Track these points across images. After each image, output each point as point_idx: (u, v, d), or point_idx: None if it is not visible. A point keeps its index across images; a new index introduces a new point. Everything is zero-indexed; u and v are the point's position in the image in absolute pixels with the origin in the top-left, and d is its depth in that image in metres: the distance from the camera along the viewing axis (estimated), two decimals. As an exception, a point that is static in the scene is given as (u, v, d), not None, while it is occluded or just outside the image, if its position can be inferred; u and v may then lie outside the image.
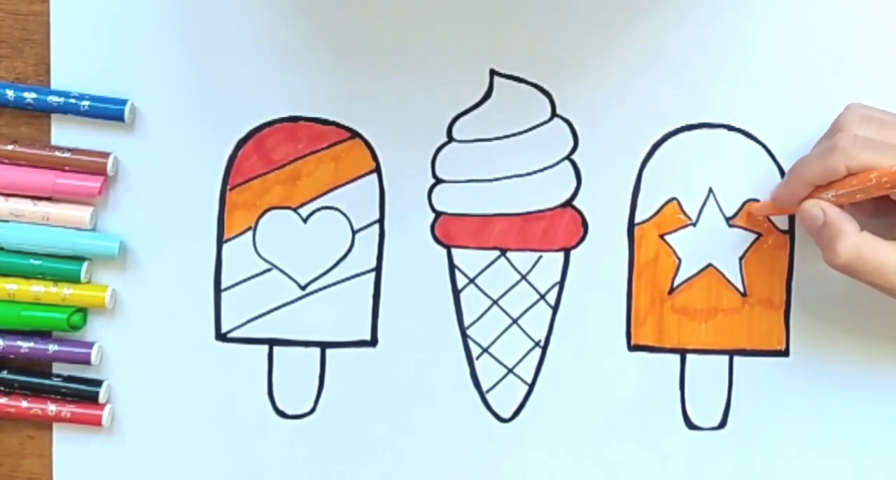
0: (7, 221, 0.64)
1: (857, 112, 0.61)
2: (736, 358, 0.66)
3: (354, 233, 0.65)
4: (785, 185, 0.62)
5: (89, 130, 0.64)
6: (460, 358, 0.66)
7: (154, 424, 0.66)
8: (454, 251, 0.65)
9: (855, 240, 0.58)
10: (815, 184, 0.60)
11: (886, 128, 0.59)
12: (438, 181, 0.65)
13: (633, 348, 0.66)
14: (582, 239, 0.65)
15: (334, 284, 0.65)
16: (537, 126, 0.64)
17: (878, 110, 0.61)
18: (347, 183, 0.65)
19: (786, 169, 0.64)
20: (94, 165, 0.64)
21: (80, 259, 0.64)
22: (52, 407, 0.65)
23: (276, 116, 0.64)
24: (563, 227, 0.65)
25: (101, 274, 0.65)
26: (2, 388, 0.65)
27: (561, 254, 0.65)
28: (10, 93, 0.63)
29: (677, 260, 0.65)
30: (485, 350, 0.66)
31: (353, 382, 0.66)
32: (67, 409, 0.65)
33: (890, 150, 0.58)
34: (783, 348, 0.66)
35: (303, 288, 0.65)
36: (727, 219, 0.65)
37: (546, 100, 0.64)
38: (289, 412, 0.66)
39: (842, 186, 0.59)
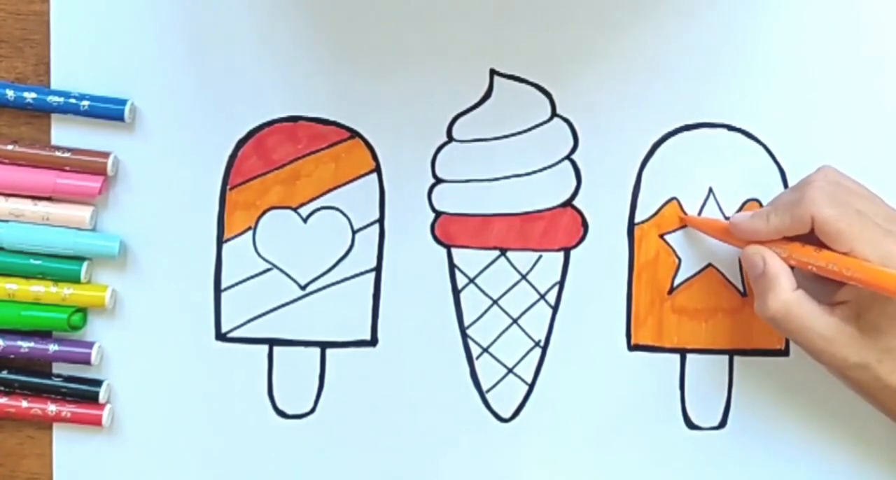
0: (7, 221, 0.64)
1: (829, 174, 0.61)
2: (736, 358, 0.66)
3: (354, 232, 0.65)
4: (751, 222, 0.61)
5: (89, 130, 0.64)
6: (460, 358, 0.66)
7: (154, 424, 0.66)
8: (454, 251, 0.65)
9: (786, 297, 0.59)
10: (781, 234, 0.60)
11: (852, 195, 0.60)
12: (438, 181, 0.65)
13: (633, 348, 0.66)
14: (582, 239, 0.65)
15: (334, 284, 0.65)
16: (537, 126, 0.64)
17: (848, 178, 0.61)
18: (347, 183, 0.65)
19: (786, 169, 0.64)
20: (94, 165, 0.64)
21: (80, 259, 0.64)
22: (52, 407, 0.65)
23: (276, 116, 0.65)
24: (563, 227, 0.65)
25: (101, 274, 0.65)
26: (2, 388, 0.65)
27: (561, 254, 0.65)
28: (10, 93, 0.63)
29: (677, 260, 0.65)
30: (485, 350, 0.66)
31: (353, 382, 0.66)
32: (67, 409, 0.65)
33: (856, 217, 0.58)
34: (783, 348, 0.66)
35: (303, 288, 0.65)
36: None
37: (546, 100, 0.64)
38: (289, 412, 0.66)
39: (801, 254, 0.59)
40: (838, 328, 0.59)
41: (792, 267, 0.60)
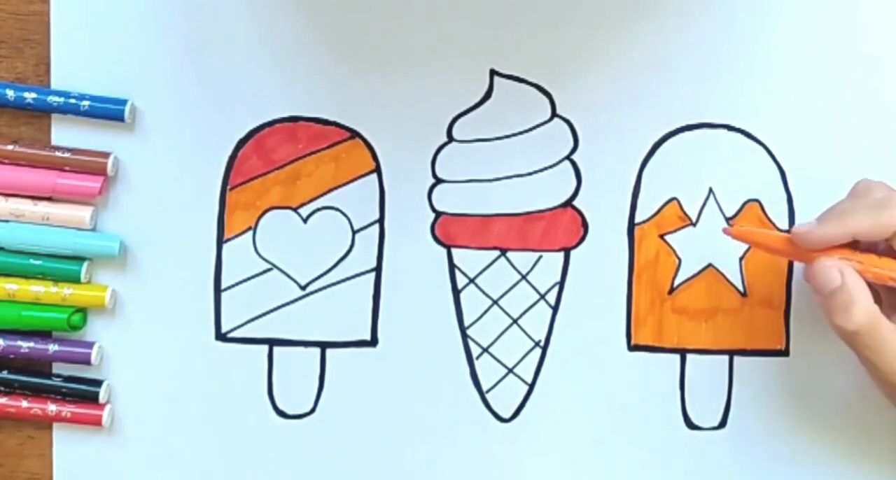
0: (7, 221, 0.64)
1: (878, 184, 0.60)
2: (736, 358, 0.66)
3: (354, 233, 0.65)
4: (821, 227, 0.59)
5: (89, 130, 0.64)
6: (460, 358, 0.66)
7: (154, 424, 0.66)
8: (454, 251, 0.65)
9: (872, 310, 0.57)
10: (859, 237, 0.58)
11: None
12: (438, 181, 0.65)
13: (633, 348, 0.66)
14: (582, 239, 0.65)
15: (334, 284, 0.65)
16: (537, 126, 0.64)
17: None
18: (347, 183, 0.65)
19: (786, 169, 0.65)
20: (94, 165, 0.64)
21: (80, 259, 0.64)
22: (52, 407, 0.65)
23: (276, 116, 0.65)
24: (563, 227, 0.65)
25: (101, 274, 0.65)
26: (2, 388, 0.65)
27: (561, 254, 0.65)
28: (10, 93, 0.63)
29: (677, 260, 0.65)
30: (485, 350, 0.66)
31: (353, 382, 0.66)
32: (67, 409, 0.65)
33: None
34: (783, 348, 0.66)
35: (303, 288, 0.65)
36: (727, 219, 0.65)
37: (546, 100, 0.64)
38: (289, 412, 0.66)
39: (880, 265, 0.58)
40: None
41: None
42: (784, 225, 0.65)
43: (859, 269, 0.58)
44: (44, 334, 0.65)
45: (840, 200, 0.61)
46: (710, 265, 0.65)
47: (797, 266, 0.65)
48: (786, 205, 0.65)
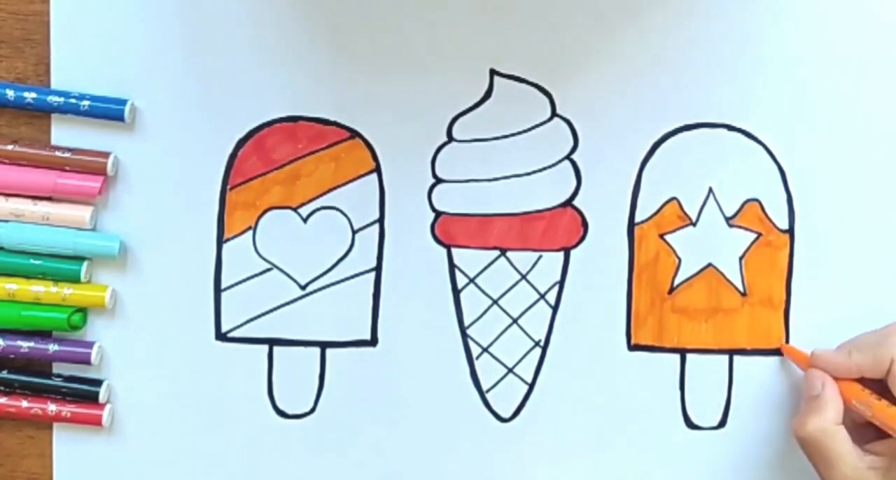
0: (7, 221, 0.64)
1: None
2: (736, 358, 0.66)
3: (354, 232, 0.65)
4: (833, 355, 0.63)
5: (89, 130, 0.64)
6: (460, 357, 0.66)
7: (154, 424, 0.66)
8: (454, 251, 0.65)
9: (826, 426, 0.60)
10: (860, 372, 0.61)
11: None
12: (438, 181, 0.65)
13: (633, 348, 0.66)
14: (582, 238, 0.65)
15: (334, 284, 0.65)
16: (537, 126, 0.64)
17: None
18: (347, 183, 0.65)
19: (786, 169, 0.65)
20: (94, 165, 0.64)
21: (80, 259, 0.64)
22: (52, 407, 0.65)
23: (276, 116, 0.65)
24: (563, 227, 0.65)
25: (101, 274, 0.65)
26: (2, 388, 0.65)
27: (561, 254, 0.65)
28: (10, 93, 0.63)
29: (677, 260, 0.65)
30: (485, 350, 0.66)
31: (353, 382, 0.66)
32: (67, 409, 0.65)
33: None
34: (783, 348, 0.66)
35: (303, 288, 0.65)
36: (727, 219, 0.65)
37: (546, 100, 0.64)
38: (289, 412, 0.66)
39: (860, 398, 0.61)
40: (862, 474, 0.59)
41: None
42: (784, 224, 0.65)
43: (846, 396, 0.61)
44: (44, 334, 0.65)
45: (867, 332, 0.63)
46: (709, 265, 0.65)
47: (797, 266, 0.65)
48: (786, 205, 0.65)
